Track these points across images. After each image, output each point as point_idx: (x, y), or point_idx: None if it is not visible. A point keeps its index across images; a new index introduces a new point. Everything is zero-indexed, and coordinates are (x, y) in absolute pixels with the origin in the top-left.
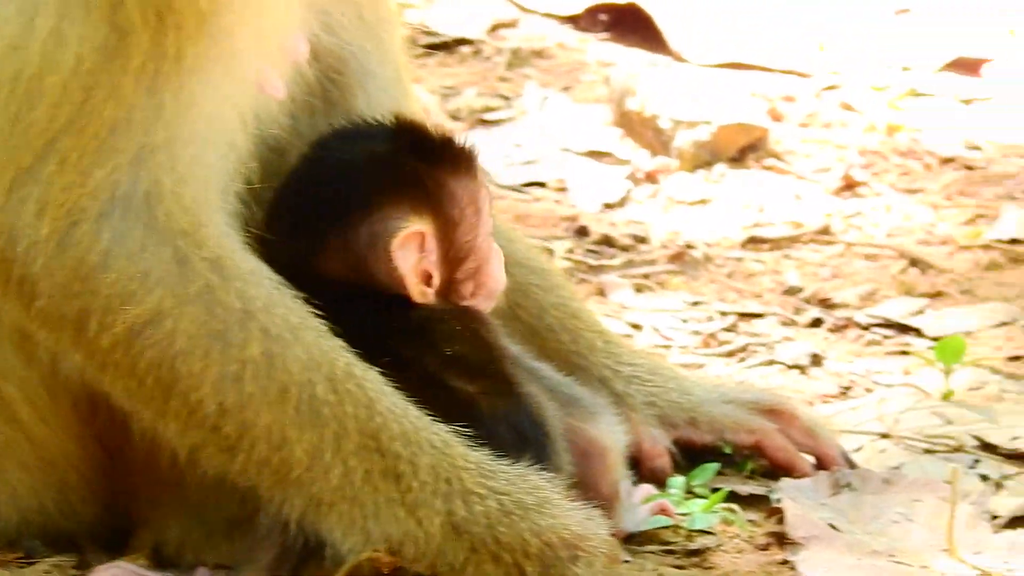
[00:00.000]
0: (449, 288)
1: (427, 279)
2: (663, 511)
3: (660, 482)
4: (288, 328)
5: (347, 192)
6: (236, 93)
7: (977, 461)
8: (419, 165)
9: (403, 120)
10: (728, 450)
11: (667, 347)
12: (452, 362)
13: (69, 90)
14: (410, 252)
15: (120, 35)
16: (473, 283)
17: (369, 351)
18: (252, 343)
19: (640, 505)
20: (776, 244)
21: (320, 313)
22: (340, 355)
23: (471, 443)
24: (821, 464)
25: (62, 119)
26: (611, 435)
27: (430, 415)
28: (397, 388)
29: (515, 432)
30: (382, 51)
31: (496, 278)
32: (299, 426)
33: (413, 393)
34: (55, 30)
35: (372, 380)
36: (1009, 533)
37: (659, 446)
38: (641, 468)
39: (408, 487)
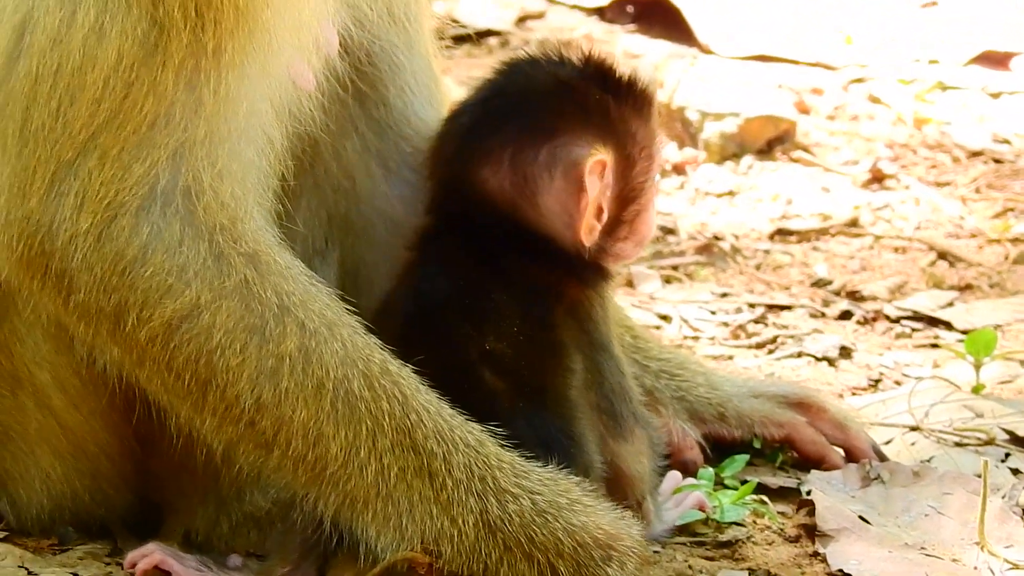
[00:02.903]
0: (611, 228)
1: (599, 214)
2: (700, 507)
3: (691, 474)
4: (325, 323)
5: (531, 111)
6: (273, 88)
7: (1008, 454)
8: (606, 98)
9: (592, 54)
10: (758, 444)
11: (696, 338)
12: (489, 355)
13: (110, 85)
14: (595, 180)
15: (160, 30)
16: (629, 227)
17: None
18: (289, 338)
19: (669, 508)
20: (804, 236)
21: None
22: (375, 351)
23: (503, 442)
24: (851, 457)
25: (103, 114)
26: (636, 461)
27: (460, 406)
28: (439, 366)
29: (536, 432)
30: (411, 45)
31: (650, 225)
32: (335, 422)
33: (449, 376)
34: (96, 25)
35: (407, 377)
36: None
37: (689, 439)
38: (672, 461)
39: (442, 485)
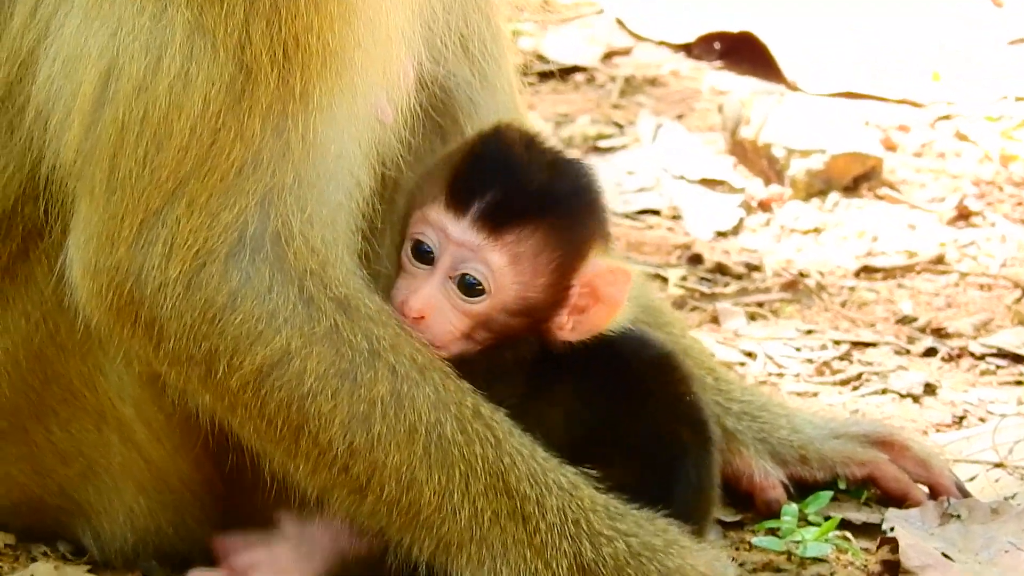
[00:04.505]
0: None
1: None
2: None
3: (774, 514)
4: (416, 368)
5: None
6: (360, 129)
7: None
8: None
9: None
10: (843, 486)
11: (780, 375)
12: (685, 406)
13: (197, 132)
14: None
15: (247, 75)
16: None
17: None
18: (380, 382)
19: None
20: (890, 273)
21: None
22: (467, 395)
23: (659, 487)
24: (934, 494)
25: (190, 161)
26: None
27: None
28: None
29: (699, 478)
30: (487, 82)
31: None
32: (428, 466)
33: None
34: (182, 71)
35: (499, 420)
36: None
37: (772, 478)
38: (755, 501)
39: (536, 528)
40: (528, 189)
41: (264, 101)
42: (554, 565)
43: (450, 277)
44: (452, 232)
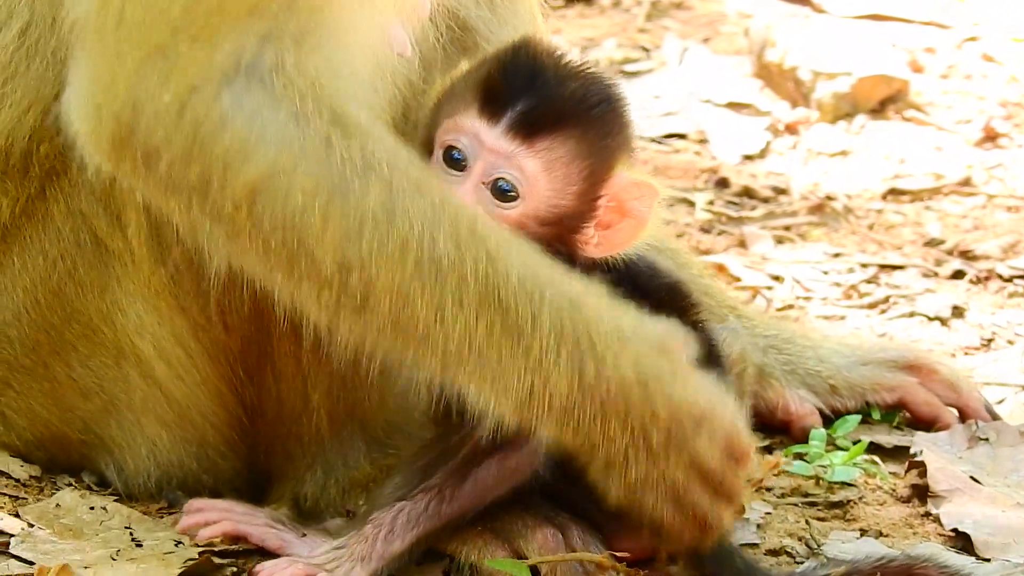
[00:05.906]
0: None
1: None
2: None
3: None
4: (410, 182)
5: None
6: (388, 15)
7: None
8: None
9: None
10: (876, 415)
11: (808, 299)
12: (700, 332)
13: None
14: None
15: None
16: None
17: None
18: (370, 196)
19: None
20: (917, 196)
21: None
22: (465, 210)
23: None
24: (964, 417)
25: (203, 3)
26: None
27: None
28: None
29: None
30: (499, 16)
31: None
32: (420, 280)
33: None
34: None
35: (498, 234)
36: None
37: (807, 404)
38: (791, 429)
39: (529, 346)
40: (561, 96)
41: None
42: (551, 383)
43: (483, 183)
44: (486, 138)
